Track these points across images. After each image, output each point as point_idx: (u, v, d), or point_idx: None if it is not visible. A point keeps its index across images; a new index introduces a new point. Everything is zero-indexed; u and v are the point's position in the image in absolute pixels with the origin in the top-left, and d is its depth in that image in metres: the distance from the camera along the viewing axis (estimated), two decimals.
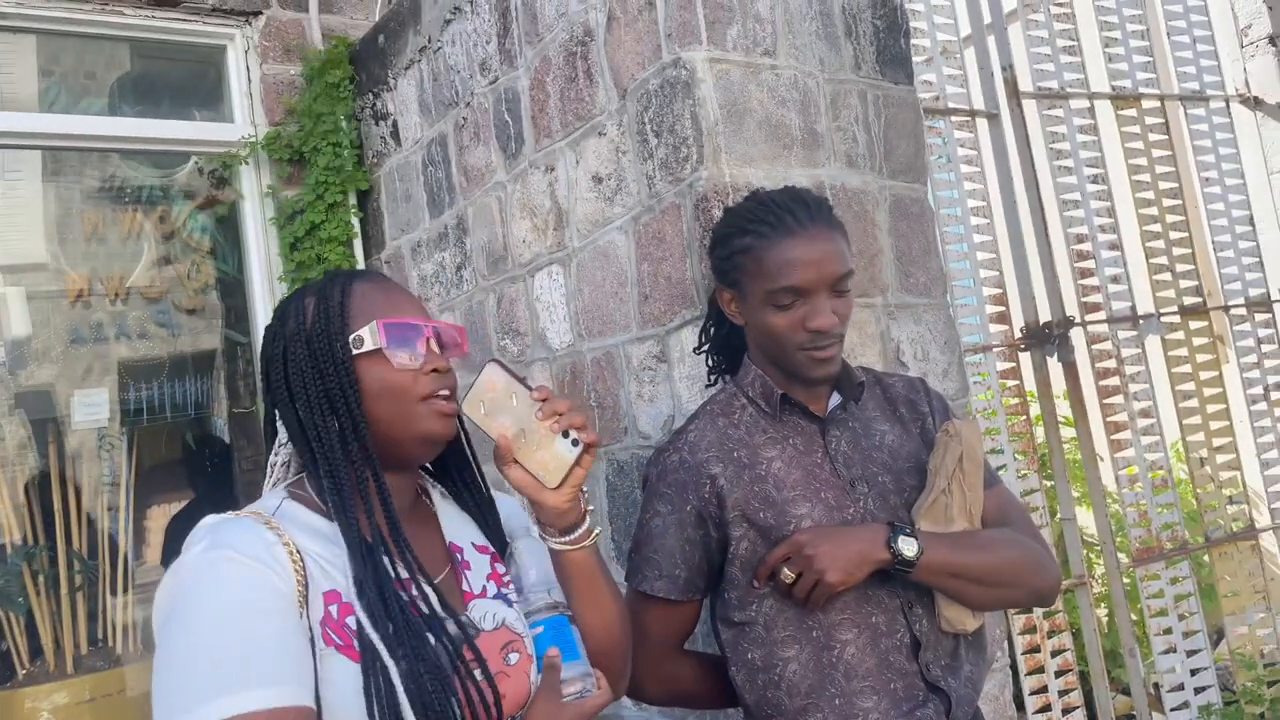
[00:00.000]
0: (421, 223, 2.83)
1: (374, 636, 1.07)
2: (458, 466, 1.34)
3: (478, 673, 1.11)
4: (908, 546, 1.44)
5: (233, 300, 3.49)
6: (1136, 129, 3.37)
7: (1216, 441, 3.31)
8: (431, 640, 1.10)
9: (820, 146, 1.99)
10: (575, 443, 1.17)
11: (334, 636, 1.08)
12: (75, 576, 3.18)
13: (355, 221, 3.07)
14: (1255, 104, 3.54)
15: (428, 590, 1.15)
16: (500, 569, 1.29)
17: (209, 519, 1.12)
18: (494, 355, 2.09)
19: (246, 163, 3.10)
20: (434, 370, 1.20)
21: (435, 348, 1.21)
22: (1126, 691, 3.27)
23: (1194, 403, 3.29)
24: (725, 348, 1.74)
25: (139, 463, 3.49)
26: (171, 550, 3.93)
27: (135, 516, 3.46)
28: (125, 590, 3.28)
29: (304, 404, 1.17)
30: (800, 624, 1.51)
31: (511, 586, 1.27)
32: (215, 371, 3.81)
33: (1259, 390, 3.40)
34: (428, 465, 1.34)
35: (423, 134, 2.79)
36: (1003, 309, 3.01)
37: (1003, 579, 1.53)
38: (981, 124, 3.08)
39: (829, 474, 1.56)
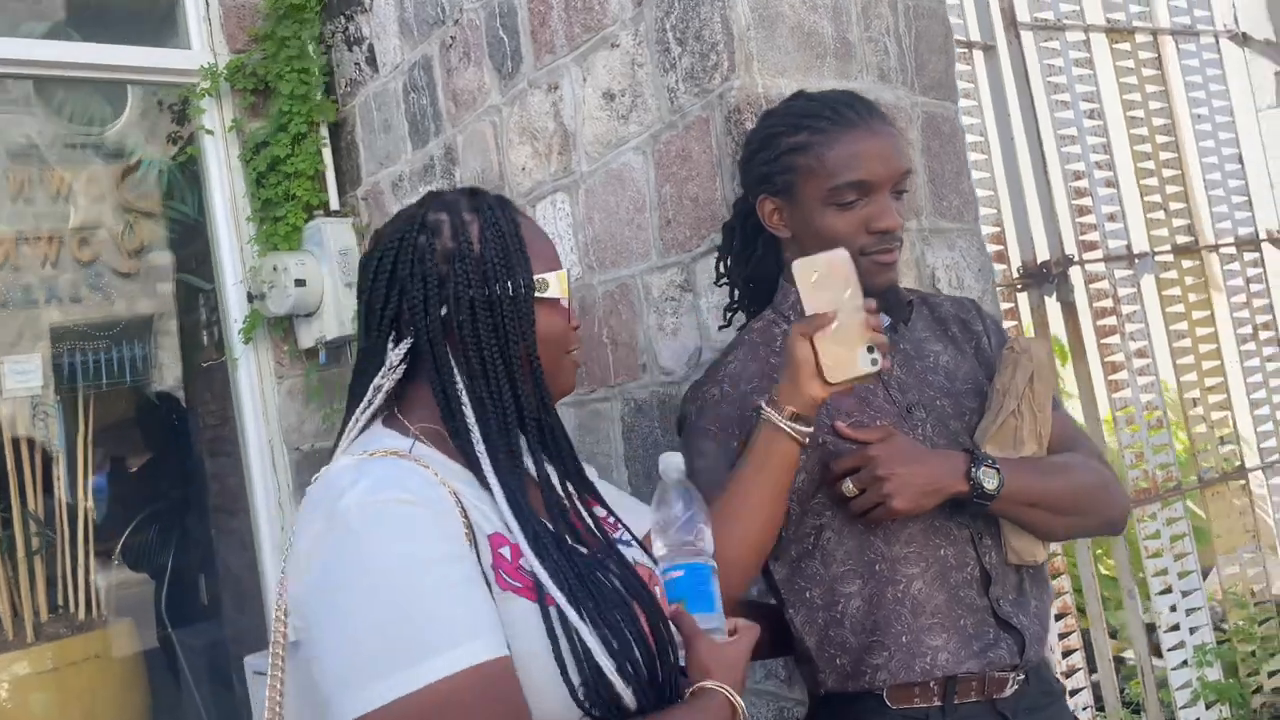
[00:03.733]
0: (403, 154, 2.65)
1: (547, 578, 0.98)
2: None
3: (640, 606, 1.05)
4: (988, 478, 1.34)
5: (193, 245, 3.27)
6: (1130, 64, 3.30)
7: (1208, 382, 3.28)
8: (601, 577, 1.03)
9: (853, 58, 1.86)
10: (874, 361, 1.22)
11: (508, 579, 0.97)
12: (32, 540, 2.99)
13: (326, 155, 2.87)
14: (1244, 40, 3.49)
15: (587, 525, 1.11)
16: (601, 512, 1.22)
17: (345, 461, 1.01)
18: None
19: (210, 95, 2.88)
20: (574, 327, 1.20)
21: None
22: (1114, 636, 3.24)
23: (1187, 343, 3.26)
24: (754, 275, 1.61)
25: (93, 425, 3.31)
26: (122, 513, 3.77)
27: (92, 480, 3.28)
28: (86, 555, 3.10)
29: (470, 336, 1.07)
30: (861, 557, 1.40)
31: (621, 531, 1.20)
32: (163, 327, 3.63)
33: (1248, 330, 3.38)
34: None
35: (403, 58, 2.60)
36: (1000, 248, 2.93)
37: (1079, 507, 1.44)
38: (978, 55, 2.98)
39: (883, 400, 1.45)
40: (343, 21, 2.83)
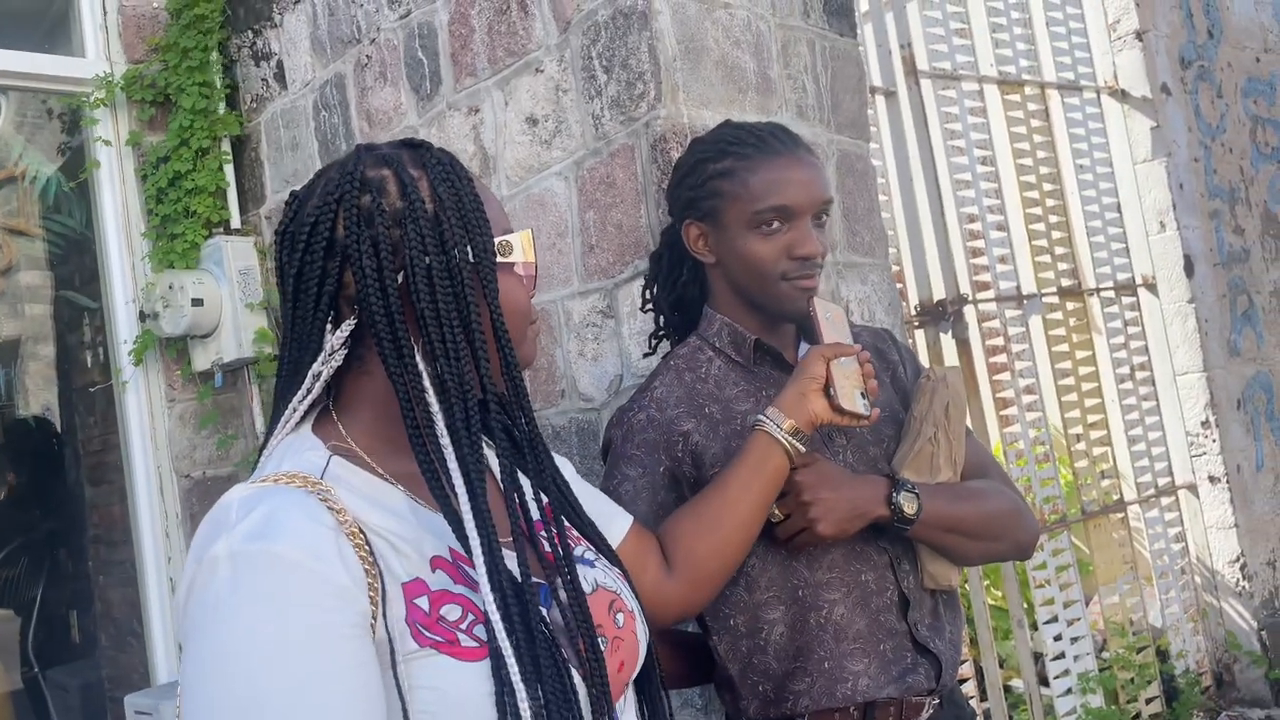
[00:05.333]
0: (312, 173, 2.58)
1: (504, 639, 0.85)
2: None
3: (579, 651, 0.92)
4: (909, 503, 1.36)
5: (78, 262, 3.11)
6: (1020, 114, 3.46)
7: (1090, 419, 3.44)
8: (545, 629, 0.88)
9: (773, 93, 1.90)
10: (866, 406, 1.31)
11: (427, 634, 0.84)
12: None
13: (229, 171, 2.77)
14: (1122, 96, 3.70)
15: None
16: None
17: (242, 491, 0.85)
18: None
19: (104, 105, 2.75)
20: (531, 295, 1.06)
21: None
22: (1003, 664, 3.34)
23: (1070, 381, 3.41)
24: (679, 302, 1.63)
25: None
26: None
27: None
28: None
29: (430, 311, 0.91)
30: (784, 583, 1.41)
31: (585, 546, 1.06)
32: (37, 350, 3.44)
33: (1126, 371, 3.56)
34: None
35: (315, 75, 2.54)
36: (900, 286, 3.02)
37: (992, 531, 1.47)
38: (880, 100, 3.08)
39: None
40: (250, 36, 2.75)
